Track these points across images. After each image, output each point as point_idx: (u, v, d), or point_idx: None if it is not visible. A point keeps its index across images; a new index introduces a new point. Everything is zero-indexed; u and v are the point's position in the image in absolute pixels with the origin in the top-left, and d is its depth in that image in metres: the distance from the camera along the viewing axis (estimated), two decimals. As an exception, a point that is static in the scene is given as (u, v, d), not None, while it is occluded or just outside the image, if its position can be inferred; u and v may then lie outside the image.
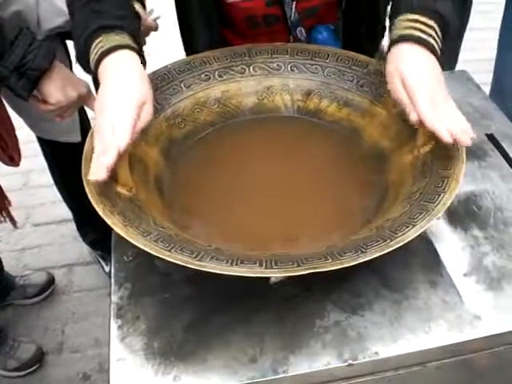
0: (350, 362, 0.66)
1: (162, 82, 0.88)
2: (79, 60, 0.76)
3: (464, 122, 0.70)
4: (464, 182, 0.72)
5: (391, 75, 0.75)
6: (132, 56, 0.72)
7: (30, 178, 2.20)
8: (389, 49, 0.77)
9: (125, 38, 0.72)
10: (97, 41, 0.71)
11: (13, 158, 1.25)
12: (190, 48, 1.05)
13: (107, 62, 0.71)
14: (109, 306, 0.73)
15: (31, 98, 0.94)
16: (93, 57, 0.72)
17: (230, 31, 1.05)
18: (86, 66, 0.74)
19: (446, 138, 0.69)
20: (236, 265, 0.61)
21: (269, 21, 1.01)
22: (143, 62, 0.74)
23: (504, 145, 0.96)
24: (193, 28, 1.02)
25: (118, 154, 0.65)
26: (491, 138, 0.98)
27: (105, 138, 0.66)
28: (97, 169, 0.64)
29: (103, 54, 0.71)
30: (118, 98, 0.68)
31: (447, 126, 0.69)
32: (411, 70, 0.73)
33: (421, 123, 0.72)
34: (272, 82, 0.92)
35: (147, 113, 0.70)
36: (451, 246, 0.79)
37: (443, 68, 0.75)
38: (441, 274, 0.75)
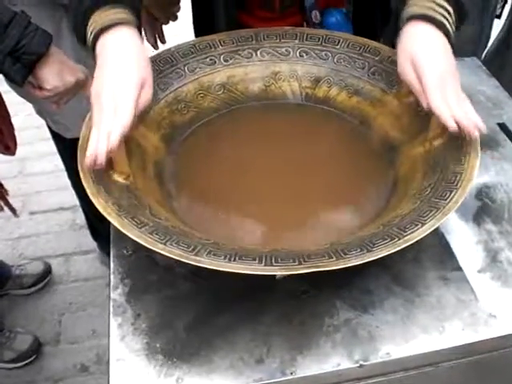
0: (362, 362, 0.63)
1: (165, 66, 0.85)
2: (75, 32, 0.73)
3: (473, 113, 0.67)
4: (476, 173, 0.69)
5: (402, 54, 0.72)
6: (131, 33, 0.69)
7: (26, 165, 2.15)
8: (401, 27, 0.73)
9: (124, 14, 0.69)
10: (95, 15, 0.69)
11: (8, 147, 1.23)
12: (203, 32, 1.01)
13: (106, 39, 0.68)
14: (108, 302, 0.70)
15: (26, 84, 0.90)
16: (91, 31, 0.69)
17: (243, 13, 1.02)
18: (81, 39, 0.72)
19: (451, 124, 0.66)
20: (234, 261, 0.59)
21: (285, 4, 0.98)
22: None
23: (517, 135, 0.93)
24: (211, 12, 0.99)
25: (123, 134, 0.63)
26: (503, 127, 0.95)
27: (106, 119, 0.63)
28: (96, 148, 0.62)
29: (102, 30, 0.68)
30: (118, 79, 0.66)
31: (455, 114, 0.66)
32: (424, 50, 0.70)
33: (430, 110, 0.69)
34: (280, 67, 0.89)
35: (146, 93, 0.68)
36: (464, 240, 0.76)
37: None
38: (454, 270, 0.73)
